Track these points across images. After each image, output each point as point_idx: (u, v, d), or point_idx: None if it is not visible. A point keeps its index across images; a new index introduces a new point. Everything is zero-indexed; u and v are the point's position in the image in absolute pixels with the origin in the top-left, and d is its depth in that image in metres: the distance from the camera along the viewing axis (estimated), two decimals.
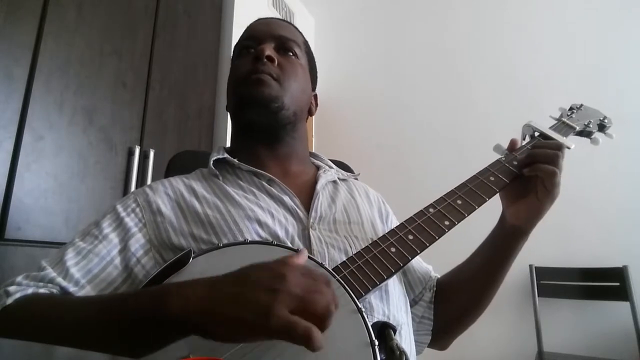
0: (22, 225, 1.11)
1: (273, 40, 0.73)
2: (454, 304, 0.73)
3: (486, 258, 0.70)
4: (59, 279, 0.54)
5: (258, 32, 0.75)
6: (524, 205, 0.66)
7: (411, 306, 0.73)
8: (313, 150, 0.85)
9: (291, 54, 0.74)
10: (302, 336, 0.35)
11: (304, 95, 0.75)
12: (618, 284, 1.87)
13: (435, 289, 0.75)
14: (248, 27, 0.78)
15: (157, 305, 0.40)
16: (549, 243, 1.97)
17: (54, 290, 0.54)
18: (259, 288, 0.38)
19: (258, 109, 0.69)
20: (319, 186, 0.71)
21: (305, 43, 0.80)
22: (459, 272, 0.74)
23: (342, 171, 0.82)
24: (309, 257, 0.52)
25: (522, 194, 0.66)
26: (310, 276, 0.40)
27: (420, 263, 0.78)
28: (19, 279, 0.54)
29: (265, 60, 0.69)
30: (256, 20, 0.79)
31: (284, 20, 0.81)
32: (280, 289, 0.37)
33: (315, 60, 0.82)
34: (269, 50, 0.70)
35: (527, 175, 0.65)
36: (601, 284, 1.95)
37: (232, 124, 0.78)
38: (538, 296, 2.00)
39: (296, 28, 0.80)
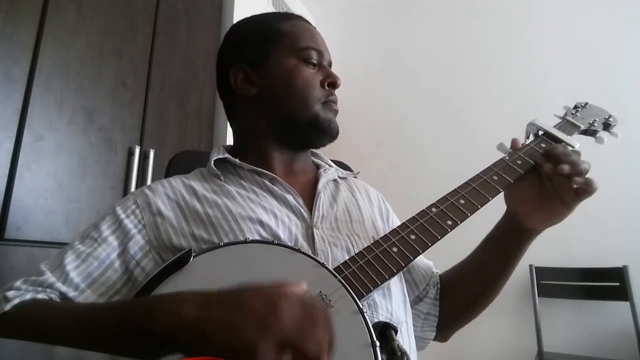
0: (22, 225, 1.10)
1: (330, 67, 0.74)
2: (460, 300, 0.73)
3: (493, 255, 0.70)
4: (58, 284, 0.54)
5: (323, 49, 0.74)
6: (547, 210, 0.64)
7: (415, 303, 0.73)
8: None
9: None
10: None
11: None
12: (618, 284, 1.87)
13: (439, 285, 0.75)
14: (305, 27, 0.75)
15: (145, 321, 0.40)
16: (549, 243, 1.94)
17: (53, 296, 0.53)
18: (250, 320, 0.36)
19: (324, 137, 0.71)
20: (320, 185, 0.70)
21: None
22: (464, 268, 0.74)
23: (342, 170, 0.82)
24: (310, 256, 0.52)
25: (544, 198, 0.64)
26: (307, 311, 0.37)
27: (421, 259, 0.77)
28: (18, 283, 0.54)
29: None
30: (311, 25, 0.77)
31: None
32: (271, 324, 0.35)
33: None
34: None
35: (577, 186, 0.59)
36: (601, 284, 1.95)
37: (255, 123, 0.72)
38: (538, 296, 2.00)
39: None
